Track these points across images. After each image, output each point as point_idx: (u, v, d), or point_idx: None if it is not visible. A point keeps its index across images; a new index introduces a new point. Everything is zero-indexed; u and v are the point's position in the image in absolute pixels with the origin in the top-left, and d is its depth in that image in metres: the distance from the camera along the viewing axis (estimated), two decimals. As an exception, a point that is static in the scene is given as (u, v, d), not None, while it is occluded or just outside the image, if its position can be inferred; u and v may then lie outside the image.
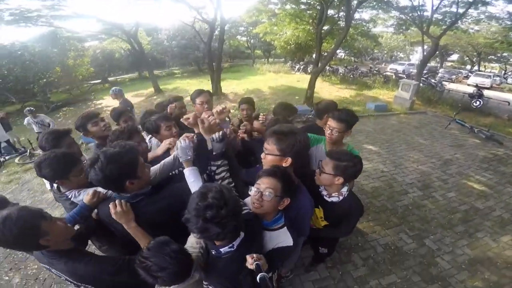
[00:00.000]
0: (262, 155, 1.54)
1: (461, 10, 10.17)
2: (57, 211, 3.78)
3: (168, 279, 1.01)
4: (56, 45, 15.29)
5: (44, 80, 14.17)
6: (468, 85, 17.63)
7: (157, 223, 1.37)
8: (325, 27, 11.96)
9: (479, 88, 12.00)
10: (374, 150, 5.83)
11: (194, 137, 1.56)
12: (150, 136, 2.23)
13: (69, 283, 1.25)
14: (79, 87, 18.57)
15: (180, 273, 1.05)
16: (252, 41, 30.45)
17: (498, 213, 3.75)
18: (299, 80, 15.35)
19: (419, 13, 11.04)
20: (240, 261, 1.10)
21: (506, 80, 21.29)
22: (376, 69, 19.52)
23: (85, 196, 1.48)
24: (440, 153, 5.72)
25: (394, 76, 17.06)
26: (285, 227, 1.40)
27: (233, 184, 1.69)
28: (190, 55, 22.98)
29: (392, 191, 4.16)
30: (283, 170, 1.38)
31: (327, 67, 16.76)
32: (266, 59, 31.92)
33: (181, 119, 1.73)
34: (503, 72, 24.50)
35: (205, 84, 14.04)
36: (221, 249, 1.14)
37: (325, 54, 16.90)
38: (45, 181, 2.21)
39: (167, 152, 1.84)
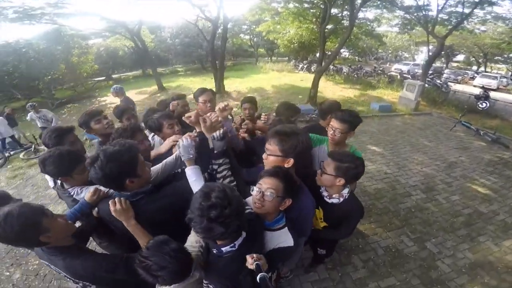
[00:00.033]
0: (264, 156, 1.53)
1: (467, 10, 10.00)
2: (60, 207, 3.81)
3: (168, 278, 1.01)
4: (60, 42, 15.43)
5: (49, 77, 14.37)
6: (474, 86, 17.41)
7: (158, 221, 1.37)
8: (329, 26, 11.89)
9: (485, 89, 11.85)
10: (377, 151, 5.78)
11: (196, 136, 1.56)
12: (152, 134, 2.23)
13: (68, 279, 1.25)
14: (83, 84, 18.78)
15: (180, 272, 1.05)
16: (255, 39, 30.35)
17: (502, 217, 3.70)
18: (303, 79, 15.29)
19: (424, 12, 10.90)
20: (241, 261, 1.10)
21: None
22: (381, 69, 19.35)
23: (86, 193, 1.49)
24: (445, 156, 5.66)
25: (399, 76, 16.93)
26: (286, 228, 1.40)
27: (234, 183, 1.66)
28: (193, 53, 23.05)
29: (395, 193, 4.13)
30: (285, 171, 1.37)
31: (331, 66, 16.65)
32: (269, 58, 31.83)
33: (183, 117, 1.72)
34: (510, 73, 24.15)
35: (209, 82, 14.07)
36: (223, 248, 1.14)
37: (329, 53, 16.82)
38: (48, 178, 2.22)
39: (170, 150, 1.84)
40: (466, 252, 3.04)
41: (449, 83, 14.71)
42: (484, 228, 3.46)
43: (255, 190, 1.32)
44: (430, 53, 11.44)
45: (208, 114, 1.63)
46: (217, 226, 0.98)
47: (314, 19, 13.53)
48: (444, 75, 20.20)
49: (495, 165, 5.29)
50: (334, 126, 1.92)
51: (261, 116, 2.47)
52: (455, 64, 34.72)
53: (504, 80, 19.06)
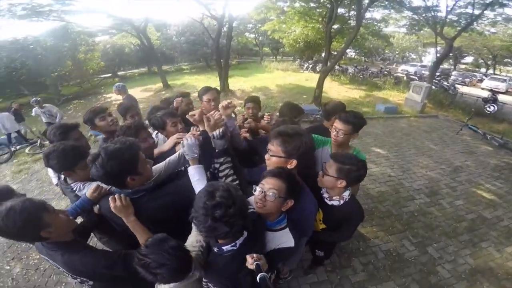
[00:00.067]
0: (267, 156, 1.52)
1: (477, 11, 9.85)
2: (63, 202, 3.85)
3: (167, 276, 1.01)
4: (67, 39, 15.63)
5: (56, 73, 14.59)
6: (482, 89, 17.19)
7: (159, 219, 1.38)
8: (335, 26, 11.82)
9: (493, 92, 11.67)
10: (382, 153, 5.73)
11: (199, 134, 1.56)
12: (156, 131, 2.24)
13: (67, 274, 1.26)
14: (89, 81, 19.01)
15: (179, 270, 1.05)
16: (260, 38, 30.33)
17: (506, 223, 3.65)
18: (308, 79, 15.23)
19: (433, 13, 10.77)
20: (241, 260, 1.10)
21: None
22: (387, 69, 19.19)
23: (87, 190, 1.51)
24: (450, 160, 5.58)
25: (405, 78, 16.74)
26: (288, 228, 1.39)
27: (237, 182, 1.68)
28: (199, 51, 23.18)
29: (399, 197, 4.09)
30: (288, 172, 1.37)
31: (337, 67, 16.58)
32: (274, 57, 31.75)
33: (187, 116, 1.72)
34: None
35: (213, 80, 14.10)
36: (224, 247, 1.15)
37: (335, 53, 16.69)
38: (52, 175, 2.25)
39: (173, 148, 1.84)
40: (467, 257, 3.01)
41: (456, 85, 14.51)
42: (487, 233, 3.42)
43: (257, 190, 1.32)
44: (438, 55, 11.30)
45: (212, 112, 1.63)
46: (221, 226, 0.98)
47: (320, 19, 13.46)
48: (452, 77, 19.93)
49: (501, 170, 5.21)
50: (337, 127, 1.91)
51: (264, 116, 2.46)
52: (463, 66, 34.21)
53: (513, 83, 18.72)
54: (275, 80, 15.11)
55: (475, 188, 4.49)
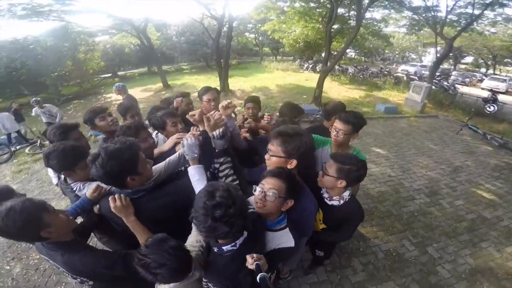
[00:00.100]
0: (267, 156, 1.52)
1: (477, 12, 9.84)
2: (64, 202, 3.85)
3: (167, 276, 1.01)
4: (67, 39, 15.63)
5: (56, 73, 14.58)
6: (482, 89, 17.19)
7: (159, 219, 1.38)
8: (335, 26, 11.81)
9: (493, 92, 11.67)
10: (382, 153, 5.73)
11: (199, 134, 1.56)
12: (156, 131, 2.24)
13: (67, 274, 1.26)
14: (89, 81, 19.01)
15: (179, 270, 1.04)
16: (260, 38, 30.33)
17: (506, 223, 3.65)
18: (308, 79, 15.23)
19: (433, 13, 10.76)
20: (241, 260, 1.10)
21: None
22: (387, 69, 19.19)
23: (87, 190, 1.51)
24: (450, 160, 5.58)
25: (405, 78, 16.74)
26: (288, 228, 1.39)
27: (237, 182, 1.68)
28: (199, 51, 23.19)
29: (399, 197, 4.09)
30: (288, 172, 1.37)
31: (337, 67, 16.58)
32: (274, 57, 31.75)
33: (187, 116, 1.72)
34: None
35: (213, 80, 14.10)
36: (224, 247, 1.14)
37: (335, 53, 16.69)
38: (52, 175, 2.24)
39: (173, 148, 1.84)
40: (467, 257, 3.01)
41: (456, 85, 14.51)
42: (487, 233, 3.42)
43: (257, 190, 1.31)
44: (438, 55, 11.30)
45: (211, 112, 1.63)
46: (221, 226, 0.98)
47: (320, 19, 13.46)
48: (452, 77, 19.93)
49: (501, 170, 5.21)
50: (337, 127, 1.91)
51: (264, 116, 2.45)
52: (463, 66, 34.21)
53: (513, 82, 18.72)
54: (275, 80, 15.10)
55: (475, 188, 4.50)
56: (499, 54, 23.70)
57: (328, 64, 10.59)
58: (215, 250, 1.19)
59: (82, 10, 12.08)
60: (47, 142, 6.14)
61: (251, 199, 1.43)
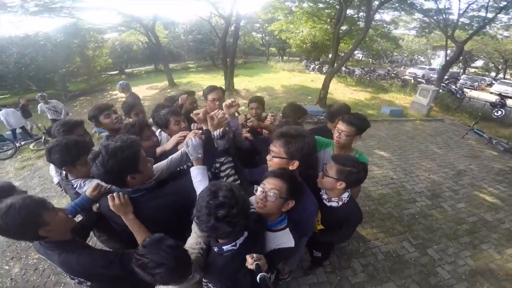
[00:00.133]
0: (268, 157, 1.52)
1: (490, 15, 9.63)
2: (65, 200, 3.83)
3: (165, 276, 0.99)
4: (77, 36, 15.79)
5: (64, 69, 14.70)
6: (491, 93, 16.86)
7: (158, 219, 1.37)
8: (344, 27, 11.72)
9: (502, 97, 11.46)
10: (385, 156, 5.71)
11: (202, 133, 1.56)
12: (159, 130, 2.23)
13: (65, 275, 1.26)
14: (96, 78, 19.10)
15: (177, 269, 1.02)
16: (267, 38, 30.25)
17: (507, 226, 3.65)
18: (313, 80, 15.15)
19: (444, 16, 10.56)
20: (241, 260, 1.11)
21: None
22: (394, 72, 19.00)
23: (87, 188, 1.50)
24: (454, 163, 5.54)
25: (412, 81, 16.56)
26: (288, 229, 1.39)
27: (238, 182, 1.68)
28: (206, 50, 23.21)
29: (400, 199, 4.08)
30: (290, 173, 1.37)
31: (343, 68, 16.43)
32: (280, 57, 31.67)
33: (191, 114, 1.72)
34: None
35: (219, 79, 14.15)
36: (224, 247, 1.15)
37: (342, 54, 16.60)
38: (53, 174, 2.24)
39: (175, 147, 1.83)
40: (467, 259, 3.02)
41: (464, 89, 14.26)
42: (488, 236, 3.42)
43: (258, 190, 1.32)
44: (448, 58, 11.12)
45: (215, 111, 1.62)
46: (224, 225, 0.98)
47: (328, 20, 13.40)
48: (460, 81, 19.63)
49: (505, 175, 5.17)
50: (340, 128, 1.91)
51: (267, 116, 2.46)
52: (472, 70, 33.62)
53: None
54: (281, 80, 15.06)
55: (477, 191, 4.47)
56: (511, 58, 23.25)
57: (335, 65, 10.53)
58: (215, 250, 1.19)
59: (93, 7, 12.28)
60: (51, 139, 6.21)
61: (252, 199, 1.43)
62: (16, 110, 6.90)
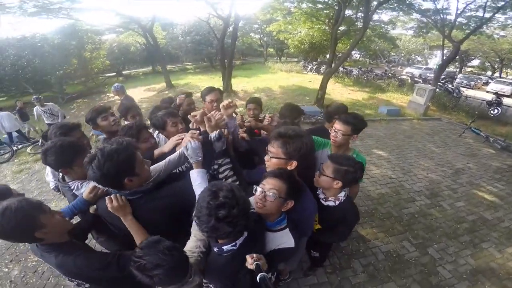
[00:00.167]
0: (267, 158, 1.52)
1: (487, 15, 9.69)
2: (63, 203, 3.77)
3: (164, 277, 0.98)
4: (75, 37, 15.63)
5: (61, 71, 14.58)
6: (487, 92, 16.98)
7: (156, 221, 1.36)
8: (342, 28, 11.77)
9: (498, 95, 11.56)
10: (383, 155, 5.72)
11: (200, 134, 1.56)
12: (157, 131, 2.22)
13: (64, 277, 1.25)
14: (94, 80, 18.92)
15: (175, 270, 1.02)
16: (265, 39, 30.35)
17: (507, 224, 3.66)
18: (311, 80, 15.18)
19: (442, 16, 10.62)
20: (241, 260, 1.11)
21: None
22: (392, 72, 19.09)
23: (84, 190, 1.48)
24: (452, 162, 5.57)
25: (409, 80, 16.64)
26: (288, 229, 1.39)
27: (237, 183, 1.67)
28: (204, 51, 23.21)
29: (399, 198, 4.09)
30: (289, 173, 1.37)
31: (341, 68, 16.50)
32: (278, 58, 31.73)
33: (189, 116, 1.72)
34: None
35: (217, 80, 14.13)
36: (224, 247, 1.14)
37: (340, 55, 16.65)
38: (49, 179, 2.22)
39: (173, 150, 1.79)
40: (468, 258, 3.02)
41: (461, 88, 14.39)
42: (488, 234, 3.43)
43: (258, 190, 1.32)
44: (444, 57, 11.19)
45: (212, 112, 1.62)
46: (224, 226, 0.98)
47: (327, 20, 13.45)
48: (457, 80, 19.78)
49: (503, 173, 5.20)
50: (336, 127, 1.91)
51: (265, 116, 2.45)
52: (469, 69, 33.85)
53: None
54: (278, 81, 15.08)
55: (476, 189, 4.49)
56: (507, 58, 23.44)
57: (333, 65, 10.56)
58: (215, 250, 1.19)
59: (91, 8, 12.25)
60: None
61: (251, 199, 1.42)
62: (12, 113, 6.80)
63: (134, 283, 1.02)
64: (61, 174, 1.66)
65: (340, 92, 12.84)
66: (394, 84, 14.82)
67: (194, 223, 1.30)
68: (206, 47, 22.90)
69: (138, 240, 1.29)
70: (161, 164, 1.57)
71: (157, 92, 13.49)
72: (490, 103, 10.43)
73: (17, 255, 2.99)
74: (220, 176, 1.66)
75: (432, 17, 11.25)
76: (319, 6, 12.84)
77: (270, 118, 2.38)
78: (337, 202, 1.70)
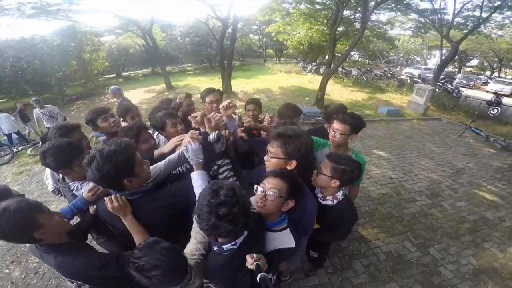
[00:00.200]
0: (266, 158, 1.52)
1: (485, 14, 9.74)
2: (64, 205, 3.66)
3: (162, 278, 0.98)
4: (74, 39, 15.63)
5: (61, 73, 14.59)
6: (487, 91, 17.02)
7: (156, 221, 1.36)
8: (340, 28, 11.79)
9: (498, 95, 11.58)
10: (383, 156, 5.71)
11: (200, 135, 1.56)
12: (157, 132, 2.22)
13: (65, 278, 1.25)
14: (93, 81, 18.96)
15: (173, 271, 1.02)
16: (264, 40, 30.42)
17: (509, 224, 3.64)
18: (311, 81, 15.21)
19: (439, 16, 10.66)
20: (241, 259, 1.11)
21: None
22: (391, 72, 19.13)
23: (84, 190, 1.48)
24: (452, 162, 5.56)
25: (409, 80, 16.68)
26: (288, 229, 1.39)
27: (237, 183, 1.68)
28: (203, 52, 23.23)
29: (400, 199, 4.08)
30: (290, 172, 1.37)
31: (340, 69, 16.53)
32: (277, 59, 31.80)
33: (189, 117, 1.72)
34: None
35: (216, 82, 14.14)
36: (224, 246, 1.14)
37: (339, 55, 16.69)
38: (48, 182, 2.24)
39: (173, 151, 1.80)
40: (470, 258, 3.01)
41: (460, 88, 14.42)
42: (490, 234, 3.42)
43: (258, 190, 1.32)
44: (443, 57, 11.22)
45: (212, 113, 1.62)
46: (224, 224, 0.99)
47: (325, 21, 13.50)
48: (456, 80, 19.83)
49: (503, 172, 5.19)
50: (335, 127, 1.92)
51: (265, 117, 2.45)
52: (468, 69, 33.96)
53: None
54: (278, 82, 15.10)
55: (477, 189, 4.49)
56: (505, 57, 23.51)
57: (332, 66, 10.58)
58: (215, 249, 1.19)
59: (90, 10, 12.22)
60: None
61: (252, 199, 1.42)
62: (10, 115, 6.79)
63: (133, 284, 1.02)
64: (61, 175, 1.65)
65: (339, 92, 12.85)
66: (393, 84, 14.84)
67: (194, 226, 1.31)
68: (206, 48, 22.94)
69: (138, 241, 1.29)
70: (160, 164, 1.57)
71: (157, 94, 13.49)
72: (489, 103, 10.46)
73: (18, 256, 2.99)
74: (220, 176, 1.67)
75: (430, 17, 11.31)
76: (317, 7, 12.89)
77: (270, 119, 2.38)
78: (335, 202, 1.71)
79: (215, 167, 1.65)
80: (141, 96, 12.89)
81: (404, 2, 11.11)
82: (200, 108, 2.91)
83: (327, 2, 12.43)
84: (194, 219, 1.09)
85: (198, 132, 1.61)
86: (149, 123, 2.25)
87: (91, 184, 1.45)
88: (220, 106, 1.75)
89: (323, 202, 1.73)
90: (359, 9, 11.01)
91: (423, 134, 7.38)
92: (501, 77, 23.72)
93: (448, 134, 7.56)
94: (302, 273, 2.65)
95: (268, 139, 1.57)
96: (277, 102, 10.10)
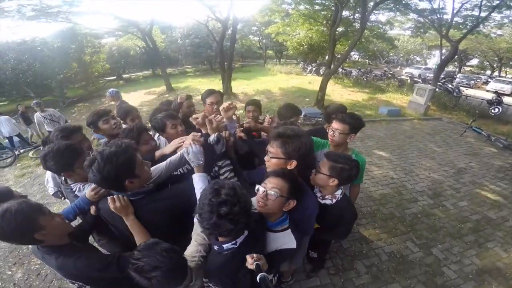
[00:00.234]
0: (266, 158, 1.52)
1: (483, 14, 9.75)
2: (65, 207, 3.68)
3: (162, 279, 0.98)
4: (74, 41, 15.73)
5: (61, 75, 14.65)
6: (487, 91, 17.01)
7: (157, 222, 1.37)
8: (340, 29, 11.82)
9: (498, 94, 11.56)
10: (384, 156, 5.70)
11: (201, 136, 1.56)
12: (157, 134, 2.22)
13: (66, 279, 1.25)
14: (94, 83, 19.04)
15: (173, 272, 1.02)
16: (264, 41, 30.47)
17: (511, 223, 3.62)
18: (311, 82, 15.21)
19: (438, 16, 10.68)
20: (241, 259, 1.11)
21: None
22: (391, 72, 19.13)
23: (87, 190, 1.49)
24: (454, 161, 5.54)
25: (409, 80, 16.67)
26: (290, 230, 1.39)
27: (238, 183, 1.68)
28: (203, 53, 23.24)
29: (401, 199, 4.07)
30: (291, 172, 1.38)
31: (340, 69, 16.54)
32: (277, 60, 31.84)
33: (190, 118, 1.72)
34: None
35: (216, 83, 14.17)
36: (224, 245, 1.15)
37: (339, 56, 16.70)
38: (49, 186, 2.25)
39: (174, 152, 1.80)
40: (473, 258, 2.99)
41: (461, 88, 14.41)
42: (493, 234, 3.40)
43: (260, 189, 1.32)
44: (443, 57, 11.22)
45: (213, 115, 1.64)
46: (226, 223, 0.99)
47: (324, 22, 13.51)
48: (456, 80, 19.84)
49: (505, 171, 5.17)
50: (334, 126, 1.93)
51: (265, 118, 2.44)
52: (468, 69, 33.96)
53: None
54: (278, 83, 15.11)
55: (479, 189, 4.47)
56: (505, 57, 23.52)
57: (332, 67, 10.58)
58: (215, 248, 1.19)
59: (90, 12, 12.26)
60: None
61: (253, 199, 1.42)
62: (12, 118, 6.79)
63: (134, 285, 1.02)
64: (63, 177, 1.66)
65: (340, 93, 12.85)
66: (393, 84, 14.84)
67: (195, 228, 1.31)
68: (206, 50, 22.96)
69: (139, 241, 1.29)
70: (162, 165, 1.58)
71: (158, 96, 13.52)
72: (490, 102, 10.44)
73: (21, 258, 3.00)
74: (221, 177, 1.68)
75: (429, 17, 11.33)
76: (317, 7, 12.91)
77: (270, 120, 2.37)
78: (334, 201, 1.71)
79: (216, 168, 1.65)
80: (141, 98, 12.92)
81: (403, 2, 11.12)
82: (201, 110, 2.92)
83: (326, 3, 12.45)
84: (195, 220, 1.09)
85: (200, 134, 1.61)
86: (149, 125, 2.25)
87: (94, 184, 1.44)
88: (221, 108, 1.76)
89: (322, 201, 1.73)
90: (358, 9, 11.04)
91: (424, 134, 7.37)
92: (502, 76, 23.72)
93: (449, 133, 7.54)
94: (303, 274, 2.64)
95: (268, 140, 1.57)
96: (277, 103, 10.09)
